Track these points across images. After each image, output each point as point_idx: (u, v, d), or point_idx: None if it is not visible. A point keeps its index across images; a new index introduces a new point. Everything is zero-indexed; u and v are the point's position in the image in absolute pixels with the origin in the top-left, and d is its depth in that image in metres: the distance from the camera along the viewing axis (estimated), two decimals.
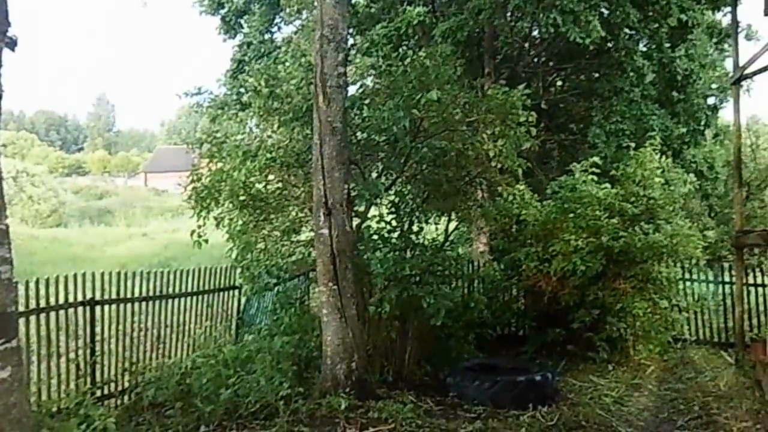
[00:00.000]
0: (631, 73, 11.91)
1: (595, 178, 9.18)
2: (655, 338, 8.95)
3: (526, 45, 13.96)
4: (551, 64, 14.43)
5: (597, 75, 13.41)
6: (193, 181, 8.33)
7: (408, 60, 7.66)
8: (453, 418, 6.43)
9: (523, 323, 9.85)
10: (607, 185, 9.12)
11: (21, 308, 6.06)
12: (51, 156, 67.00)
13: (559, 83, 15.00)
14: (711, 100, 15.52)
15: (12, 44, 1.91)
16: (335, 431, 5.85)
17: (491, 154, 7.93)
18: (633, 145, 10.40)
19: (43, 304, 6.66)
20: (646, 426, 6.35)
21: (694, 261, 9.81)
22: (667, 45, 12.57)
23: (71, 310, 7.05)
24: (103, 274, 7.55)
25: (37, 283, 6.64)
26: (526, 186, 9.29)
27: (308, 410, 6.25)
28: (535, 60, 14.27)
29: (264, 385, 6.32)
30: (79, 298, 7.19)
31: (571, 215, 8.84)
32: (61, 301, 6.92)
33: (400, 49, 8.05)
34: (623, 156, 10.46)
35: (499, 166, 8.20)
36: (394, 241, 7.55)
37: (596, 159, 9.40)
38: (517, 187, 8.65)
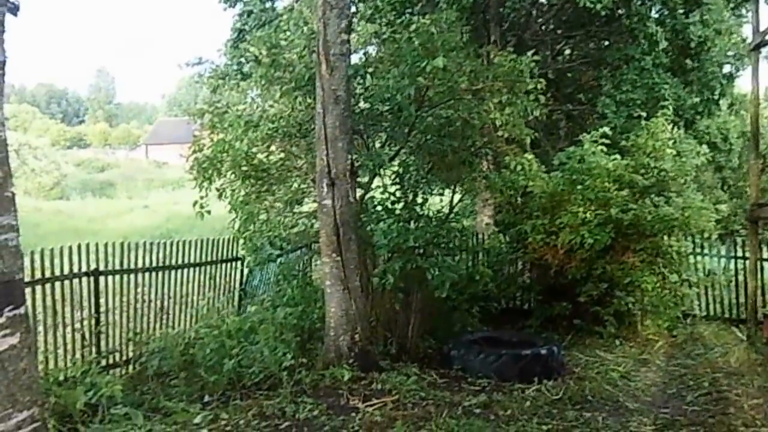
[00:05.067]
0: (643, 41, 11.59)
1: (605, 148, 8.99)
2: (664, 313, 8.83)
3: (534, 12, 13.66)
4: (559, 31, 14.11)
5: (607, 43, 13.11)
6: (195, 152, 8.22)
7: (413, 27, 7.45)
8: (457, 390, 6.39)
9: (529, 296, 9.76)
10: (617, 156, 8.94)
11: (27, 278, 6.08)
12: (52, 129, 66.81)
13: (568, 52, 14.69)
14: (726, 69, 15.13)
15: (14, 9, 1.84)
16: (339, 402, 5.84)
17: (498, 123, 7.78)
18: (644, 115, 10.19)
19: (48, 274, 6.72)
20: (654, 401, 6.25)
21: (705, 235, 9.64)
22: (681, 11, 12.21)
23: (76, 281, 7.10)
24: (107, 245, 7.58)
25: (42, 253, 6.68)
26: (534, 157, 9.12)
27: (311, 381, 6.26)
28: (543, 27, 13.95)
29: (267, 355, 6.32)
30: (84, 268, 7.21)
31: (579, 187, 8.68)
32: (66, 271, 6.96)
33: (404, 16, 7.83)
34: (634, 126, 10.24)
35: (505, 136, 8.05)
36: (398, 212, 7.46)
37: (606, 129, 9.19)
38: (525, 157, 8.47)
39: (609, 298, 8.63)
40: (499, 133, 7.95)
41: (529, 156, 8.71)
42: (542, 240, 8.74)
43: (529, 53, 7.92)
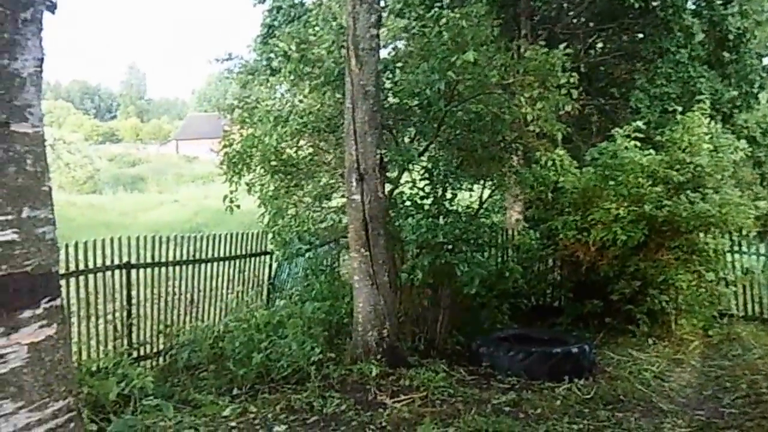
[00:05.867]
0: (679, 33, 11.29)
1: (638, 143, 8.80)
2: (699, 312, 8.62)
3: (565, 4, 13.43)
4: (592, 24, 13.84)
5: (641, 35, 12.80)
6: (224, 147, 8.28)
7: (443, 21, 7.37)
8: (486, 388, 6.34)
9: (559, 294, 9.63)
10: (651, 151, 8.73)
11: (61, 271, 6.20)
12: (86, 124, 67.98)
13: (600, 45, 14.40)
14: (766, 61, 14.71)
15: (52, 7, 1.87)
16: (366, 398, 5.85)
17: (529, 118, 7.66)
18: (679, 109, 9.92)
19: (82, 267, 6.82)
20: (689, 403, 6.12)
21: (744, 232, 9.37)
22: (719, 2, 11.89)
23: (108, 273, 7.21)
24: (138, 239, 7.66)
25: (76, 246, 6.80)
26: (565, 152, 8.97)
27: (339, 376, 6.29)
28: (575, 20, 13.72)
29: (295, 350, 6.34)
30: (116, 261, 7.32)
31: (612, 182, 8.52)
32: (99, 264, 7.08)
33: (434, 10, 7.74)
34: (668, 121, 9.98)
35: (536, 130, 7.93)
36: (427, 207, 7.43)
37: (639, 124, 8.99)
38: (556, 152, 8.35)
39: (642, 297, 8.45)
40: (530, 127, 7.83)
41: (561, 151, 8.56)
42: (573, 236, 8.60)
43: (561, 47, 7.79)
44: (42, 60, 1.87)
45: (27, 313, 1.75)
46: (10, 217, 1.73)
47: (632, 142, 8.77)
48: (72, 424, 1.89)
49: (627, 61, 12.90)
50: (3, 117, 1.72)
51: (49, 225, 1.88)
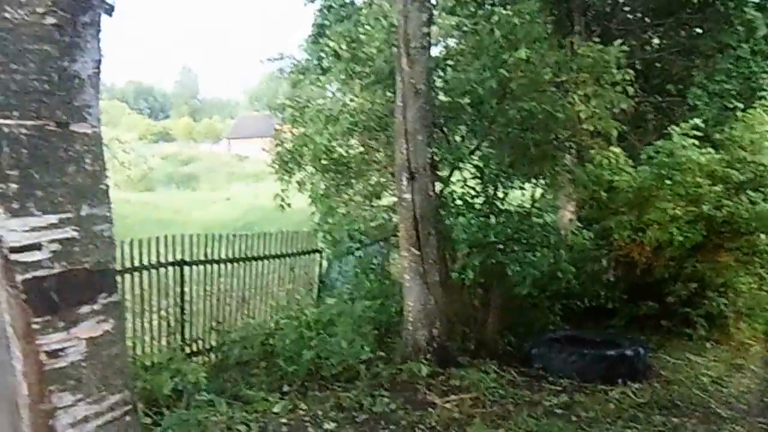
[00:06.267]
0: (740, 27, 10.91)
1: (696, 142, 8.53)
2: (760, 316, 8.33)
3: None
4: (647, 19, 13.51)
5: (700, 30, 12.45)
6: (276, 145, 8.38)
7: (495, 18, 7.30)
8: (537, 389, 6.27)
9: (613, 295, 9.38)
10: (710, 150, 8.47)
11: (117, 267, 6.39)
12: (140, 124, 69.68)
13: (656, 41, 14.03)
14: None
15: (110, 10, 1.91)
16: (416, 397, 5.84)
17: (583, 116, 7.53)
18: (740, 106, 9.61)
19: (137, 263, 6.95)
20: (749, 410, 5.92)
21: None
22: None
23: (162, 270, 7.32)
24: (191, 237, 7.79)
25: (131, 244, 6.92)
26: (620, 150, 8.78)
27: (389, 375, 6.29)
28: (630, 16, 13.41)
29: (345, 348, 6.37)
30: (170, 258, 7.44)
31: (669, 182, 8.28)
32: (153, 261, 7.18)
33: (486, 7, 7.70)
34: (728, 118, 9.66)
35: (590, 128, 7.79)
36: (478, 206, 7.38)
37: (697, 121, 8.72)
38: (611, 150, 8.17)
39: (700, 299, 8.22)
40: (584, 125, 7.69)
41: (616, 150, 8.39)
42: (628, 237, 8.42)
43: (616, 43, 7.63)
44: (100, 62, 1.91)
45: (85, 309, 1.79)
46: (69, 215, 1.77)
47: (690, 141, 8.50)
48: (128, 417, 1.92)
49: (685, 56, 12.54)
50: (63, 117, 1.76)
51: (107, 223, 1.90)
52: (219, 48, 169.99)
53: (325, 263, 9.99)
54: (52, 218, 1.73)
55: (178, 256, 7.55)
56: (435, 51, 8.48)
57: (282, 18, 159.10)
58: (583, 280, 8.92)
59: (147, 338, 7.03)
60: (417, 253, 6.57)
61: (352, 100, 8.80)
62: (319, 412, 5.43)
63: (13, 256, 1.67)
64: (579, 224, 10.05)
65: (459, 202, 7.45)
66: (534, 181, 8.44)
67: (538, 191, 8.47)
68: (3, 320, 1.70)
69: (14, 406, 1.72)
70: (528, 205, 8.23)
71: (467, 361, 6.74)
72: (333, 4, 15.92)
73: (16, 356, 1.71)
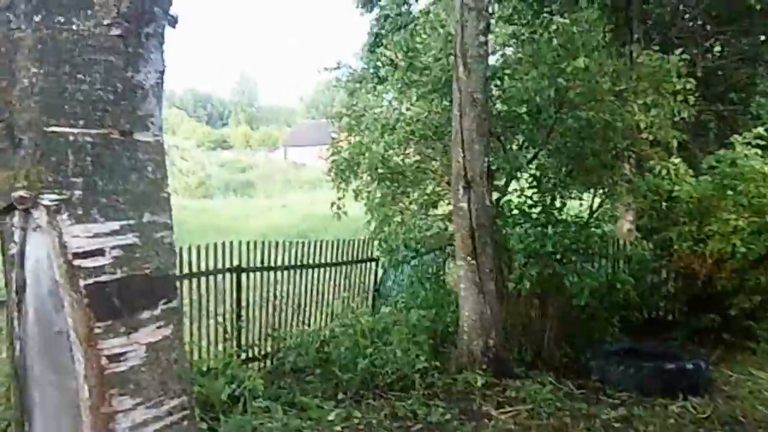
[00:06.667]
0: None
1: (759, 151, 8.30)
2: None
3: (680, 7, 12.89)
4: (709, 27, 13.23)
5: (763, 38, 12.13)
6: (332, 154, 8.50)
7: (553, 27, 7.28)
8: (595, 402, 6.17)
9: (673, 307, 9.20)
10: None
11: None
12: (198, 131, 71.25)
13: (718, 49, 13.73)
14: None
15: (173, 21, 2.00)
16: (471, 407, 5.83)
17: (642, 125, 7.43)
18: None
19: (194, 269, 7.06)
20: None
21: None
22: None
23: (219, 276, 7.41)
24: (248, 244, 7.88)
25: (189, 250, 7.03)
26: (681, 160, 8.61)
27: (444, 385, 6.29)
28: (690, 24, 13.15)
29: (400, 357, 6.39)
30: (227, 265, 7.54)
31: (731, 192, 8.08)
32: (211, 267, 7.29)
33: (543, 16, 7.67)
34: None
35: (650, 138, 7.67)
36: (535, 216, 7.34)
37: (761, 130, 8.49)
38: (671, 160, 8.02)
39: (763, 312, 7.96)
40: (644, 135, 7.59)
41: (676, 159, 8.23)
42: (689, 248, 8.22)
43: (677, 51, 7.51)
44: (163, 72, 1.99)
45: (146, 314, 1.85)
46: (131, 222, 1.84)
47: (753, 150, 8.29)
48: (186, 422, 1.97)
49: (747, 65, 12.25)
50: (127, 126, 1.83)
51: (168, 230, 1.96)
52: (276, 56, 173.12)
53: (380, 272, 10.05)
54: (115, 225, 1.80)
55: (235, 263, 7.64)
56: (492, 60, 8.50)
57: (339, 26, 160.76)
58: (642, 291, 8.74)
59: (203, 344, 7.10)
60: (473, 262, 6.59)
61: (408, 109, 8.87)
62: (374, 421, 5.46)
63: (77, 262, 1.74)
64: (638, 234, 9.88)
65: (516, 211, 7.43)
66: (592, 190, 8.35)
67: (596, 201, 8.36)
68: (66, 324, 1.76)
69: (76, 409, 1.78)
70: (586, 215, 8.15)
71: (523, 373, 6.72)
72: (390, 14, 16.07)
73: (78, 360, 1.76)
